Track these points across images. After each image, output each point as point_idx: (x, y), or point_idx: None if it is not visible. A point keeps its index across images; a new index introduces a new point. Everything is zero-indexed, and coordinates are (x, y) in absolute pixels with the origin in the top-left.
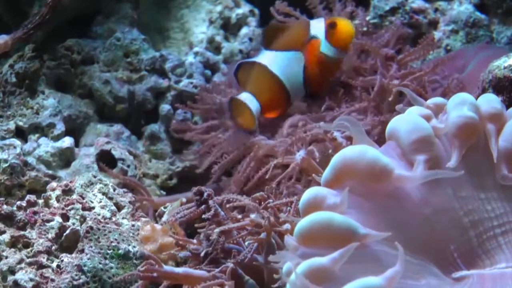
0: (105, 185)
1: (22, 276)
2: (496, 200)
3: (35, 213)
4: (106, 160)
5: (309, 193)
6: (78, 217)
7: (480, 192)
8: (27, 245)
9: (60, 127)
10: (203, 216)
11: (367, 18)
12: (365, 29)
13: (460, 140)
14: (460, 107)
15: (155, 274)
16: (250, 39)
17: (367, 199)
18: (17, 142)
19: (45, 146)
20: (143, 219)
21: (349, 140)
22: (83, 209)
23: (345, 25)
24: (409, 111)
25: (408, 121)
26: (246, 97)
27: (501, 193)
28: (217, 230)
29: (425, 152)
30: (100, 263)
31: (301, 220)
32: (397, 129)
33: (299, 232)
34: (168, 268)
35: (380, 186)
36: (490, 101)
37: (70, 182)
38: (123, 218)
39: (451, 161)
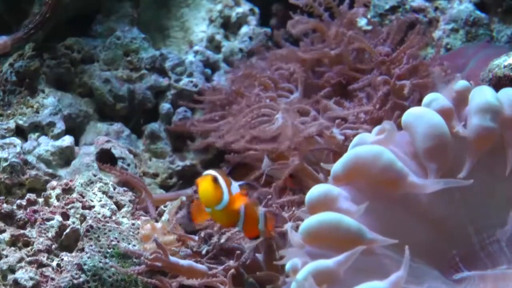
0: (105, 183)
1: (22, 275)
2: (502, 205)
3: (35, 212)
4: (106, 159)
5: (318, 190)
6: (78, 216)
7: (486, 197)
8: (27, 244)
9: (60, 126)
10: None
11: (367, 17)
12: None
13: (476, 148)
14: (483, 115)
15: (159, 264)
16: (250, 38)
17: (374, 201)
18: (17, 140)
19: (45, 145)
20: (143, 217)
21: (347, 138)
22: (83, 208)
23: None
24: (430, 101)
25: (427, 123)
26: None
27: (507, 197)
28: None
29: (439, 161)
30: (100, 262)
31: (309, 218)
32: (414, 126)
33: (306, 230)
34: (174, 259)
35: (390, 190)
36: None
37: (70, 181)
38: (123, 217)
39: (463, 172)
